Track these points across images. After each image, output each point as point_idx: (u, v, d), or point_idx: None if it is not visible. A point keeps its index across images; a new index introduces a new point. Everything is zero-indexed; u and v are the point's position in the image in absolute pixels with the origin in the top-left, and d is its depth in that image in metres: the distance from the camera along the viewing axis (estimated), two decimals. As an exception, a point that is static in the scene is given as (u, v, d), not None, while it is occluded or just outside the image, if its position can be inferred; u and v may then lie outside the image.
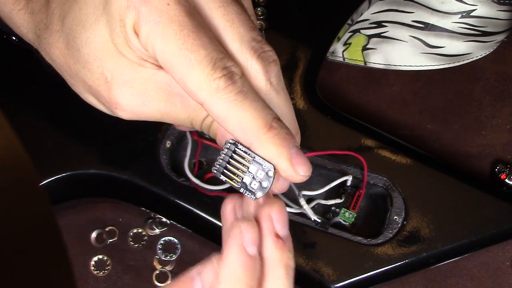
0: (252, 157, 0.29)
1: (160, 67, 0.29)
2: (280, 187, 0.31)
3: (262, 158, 0.29)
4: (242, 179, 0.30)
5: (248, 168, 0.30)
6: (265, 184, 0.30)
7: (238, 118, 0.28)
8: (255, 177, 0.30)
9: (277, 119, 0.29)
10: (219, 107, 0.27)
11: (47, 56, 0.33)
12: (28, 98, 0.52)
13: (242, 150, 0.30)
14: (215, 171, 0.31)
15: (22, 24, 0.34)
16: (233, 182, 0.31)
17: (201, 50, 0.27)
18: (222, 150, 0.30)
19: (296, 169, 0.29)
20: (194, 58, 0.27)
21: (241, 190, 0.31)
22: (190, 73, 0.27)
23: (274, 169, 0.29)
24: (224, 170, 0.30)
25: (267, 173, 0.29)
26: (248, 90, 0.28)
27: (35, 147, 0.50)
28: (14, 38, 0.50)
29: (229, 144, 0.30)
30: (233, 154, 0.30)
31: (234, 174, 0.30)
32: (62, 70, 0.32)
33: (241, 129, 0.28)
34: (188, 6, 0.27)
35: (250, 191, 0.30)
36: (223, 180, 0.31)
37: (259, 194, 0.30)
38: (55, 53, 0.32)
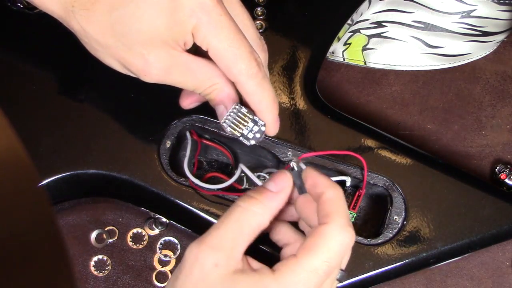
0: (251, 116, 0.42)
1: (184, 51, 0.40)
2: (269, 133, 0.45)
3: (259, 118, 0.42)
4: (242, 130, 0.42)
5: (247, 123, 0.42)
6: (258, 135, 0.43)
7: (262, 93, 0.41)
8: (251, 130, 0.42)
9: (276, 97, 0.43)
10: (251, 85, 0.41)
11: (78, 26, 0.39)
12: (28, 98, 0.52)
13: (245, 111, 0.42)
14: (224, 124, 0.42)
15: None
16: (236, 132, 0.42)
17: (243, 48, 0.39)
18: (231, 110, 0.42)
19: (276, 127, 0.43)
20: (238, 54, 0.39)
21: (240, 138, 0.43)
22: (235, 63, 0.39)
23: (265, 125, 0.43)
24: (231, 124, 0.42)
25: (260, 128, 0.42)
26: (265, 73, 0.41)
27: (35, 147, 0.50)
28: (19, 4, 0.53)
29: (237, 107, 0.42)
30: (238, 113, 0.42)
31: (237, 126, 0.42)
32: (92, 40, 0.40)
33: (261, 100, 0.41)
34: (230, 15, 0.39)
35: (247, 138, 0.43)
36: (229, 131, 0.42)
37: (252, 142, 0.43)
38: (94, 29, 0.39)
